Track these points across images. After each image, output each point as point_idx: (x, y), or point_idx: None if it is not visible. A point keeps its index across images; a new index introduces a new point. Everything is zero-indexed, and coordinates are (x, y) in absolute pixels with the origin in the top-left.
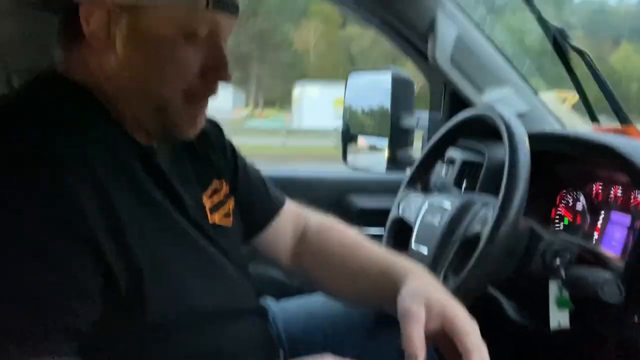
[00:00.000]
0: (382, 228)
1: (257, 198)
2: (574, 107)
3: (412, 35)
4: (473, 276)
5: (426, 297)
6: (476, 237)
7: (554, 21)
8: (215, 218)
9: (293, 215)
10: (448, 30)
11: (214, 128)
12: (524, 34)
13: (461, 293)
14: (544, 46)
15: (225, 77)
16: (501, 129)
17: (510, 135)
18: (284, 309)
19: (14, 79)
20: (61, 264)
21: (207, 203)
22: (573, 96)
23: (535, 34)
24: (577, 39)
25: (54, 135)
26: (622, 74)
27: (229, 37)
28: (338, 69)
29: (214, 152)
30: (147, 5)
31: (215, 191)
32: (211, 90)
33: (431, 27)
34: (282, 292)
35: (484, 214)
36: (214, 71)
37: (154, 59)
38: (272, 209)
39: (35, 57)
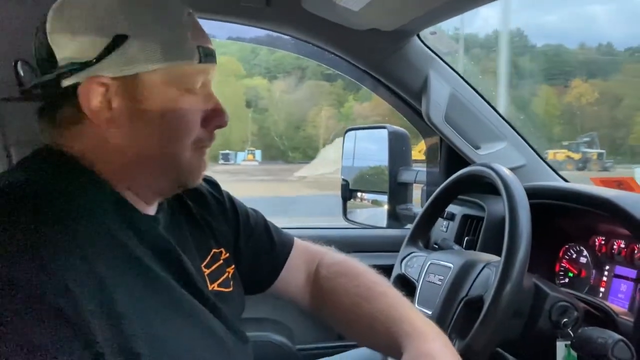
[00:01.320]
0: None
1: (264, 247)
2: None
3: (406, 94)
4: (479, 339)
5: None
6: (479, 300)
7: (517, 67)
8: (215, 285)
9: (304, 254)
10: (441, 89)
11: (210, 186)
12: None
13: (468, 356)
14: None
15: (225, 122)
16: (499, 187)
17: (509, 194)
18: None
19: (12, 152)
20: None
21: (206, 271)
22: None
23: None
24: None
25: (46, 221)
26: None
27: None
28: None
29: (213, 217)
30: (144, 72)
31: (215, 259)
32: (213, 135)
33: (424, 86)
34: (285, 357)
35: (487, 275)
36: (214, 118)
37: (161, 122)
38: (283, 253)
39: (35, 129)
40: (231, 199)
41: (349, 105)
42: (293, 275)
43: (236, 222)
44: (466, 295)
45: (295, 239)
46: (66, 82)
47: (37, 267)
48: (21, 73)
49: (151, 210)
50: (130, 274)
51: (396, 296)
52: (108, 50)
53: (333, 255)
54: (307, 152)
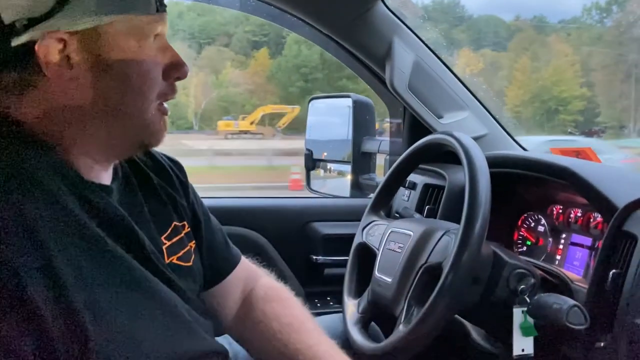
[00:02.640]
0: (346, 254)
1: (220, 249)
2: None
3: (370, 60)
4: (437, 306)
5: None
6: (438, 267)
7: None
8: (174, 258)
9: (244, 275)
10: (405, 56)
11: (175, 166)
12: None
13: (427, 323)
14: None
15: (184, 73)
16: (460, 155)
17: (470, 162)
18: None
19: None
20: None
21: (167, 243)
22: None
23: None
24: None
25: None
26: None
27: None
28: None
29: (176, 191)
30: (102, 24)
31: (176, 232)
32: (174, 88)
33: (388, 53)
34: None
35: (446, 242)
36: (174, 69)
37: (125, 75)
38: (228, 266)
39: None
40: (195, 191)
41: (226, 72)
42: (232, 285)
43: (197, 213)
44: (425, 262)
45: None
46: (17, 41)
47: None
48: None
49: (106, 178)
50: (76, 244)
51: (323, 335)
52: (61, 3)
53: (272, 280)
54: (175, 122)
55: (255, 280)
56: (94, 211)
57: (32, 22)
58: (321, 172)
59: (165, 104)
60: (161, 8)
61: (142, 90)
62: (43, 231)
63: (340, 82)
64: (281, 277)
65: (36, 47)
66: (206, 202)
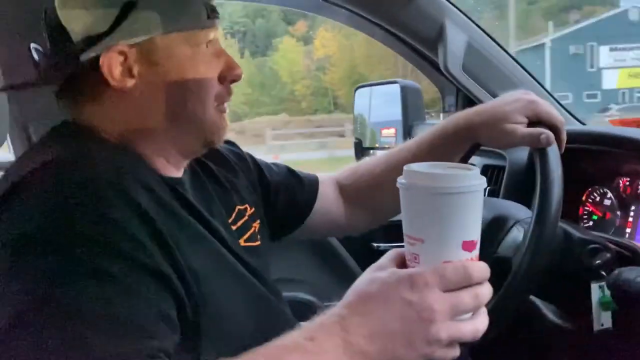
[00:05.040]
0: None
1: (296, 186)
2: None
3: (421, 45)
4: (510, 296)
5: None
6: (508, 261)
7: None
8: (242, 241)
9: (329, 180)
10: (457, 38)
11: (230, 147)
12: None
13: (501, 311)
14: None
15: (238, 76)
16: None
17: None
18: None
19: (31, 131)
20: (136, 290)
21: (233, 227)
22: None
23: None
24: None
25: (97, 181)
26: None
27: None
28: None
29: (235, 174)
30: (157, 36)
31: (240, 215)
32: (230, 91)
33: (440, 36)
34: (313, 313)
35: (515, 234)
36: (228, 73)
37: (183, 82)
38: (312, 185)
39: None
40: (251, 156)
41: None
42: (326, 195)
43: (261, 173)
44: (495, 252)
45: (318, 174)
46: (85, 57)
47: (96, 215)
48: (36, 57)
49: (178, 174)
50: (177, 228)
51: None
52: (119, 20)
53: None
54: None
55: (334, 176)
56: (183, 203)
57: (95, 39)
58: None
59: (225, 104)
60: (212, 15)
61: (200, 95)
62: (159, 225)
63: None
64: (343, 265)
65: (100, 61)
66: None
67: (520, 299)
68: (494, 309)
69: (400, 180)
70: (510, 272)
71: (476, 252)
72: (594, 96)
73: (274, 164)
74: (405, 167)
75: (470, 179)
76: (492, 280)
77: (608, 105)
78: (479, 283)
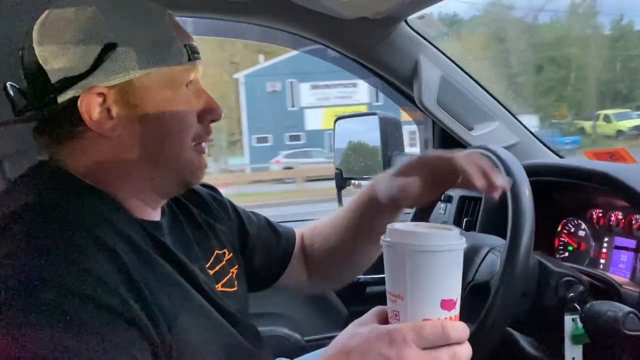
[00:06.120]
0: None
1: (271, 242)
2: None
3: (397, 80)
4: (488, 323)
5: None
6: (486, 285)
7: None
8: (219, 286)
9: (299, 238)
10: (431, 73)
11: (211, 190)
12: None
13: (480, 340)
14: None
15: (218, 116)
16: (499, 168)
17: (510, 175)
18: None
19: (5, 166)
20: (113, 340)
21: (211, 272)
22: None
23: None
24: None
25: (73, 231)
26: None
27: None
28: None
29: (215, 219)
30: (137, 77)
31: (218, 260)
32: (209, 130)
33: (415, 71)
34: (294, 350)
35: (492, 260)
36: (208, 113)
37: (161, 123)
38: (289, 244)
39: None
40: (232, 203)
41: None
42: (297, 255)
43: (241, 223)
44: (472, 280)
45: (295, 228)
46: (62, 97)
47: (70, 266)
48: (12, 94)
49: (156, 216)
50: (152, 275)
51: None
52: (99, 60)
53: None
54: None
55: (300, 232)
56: (153, 245)
57: (74, 80)
58: (352, 189)
59: (203, 144)
60: (193, 57)
61: (179, 135)
62: (123, 258)
63: None
64: (323, 299)
65: (78, 102)
66: None
67: (502, 320)
68: (479, 332)
69: (384, 238)
70: (489, 295)
71: (455, 311)
72: (297, 138)
73: (253, 213)
74: (388, 226)
75: (450, 238)
76: (473, 305)
77: (280, 151)
78: (458, 343)
